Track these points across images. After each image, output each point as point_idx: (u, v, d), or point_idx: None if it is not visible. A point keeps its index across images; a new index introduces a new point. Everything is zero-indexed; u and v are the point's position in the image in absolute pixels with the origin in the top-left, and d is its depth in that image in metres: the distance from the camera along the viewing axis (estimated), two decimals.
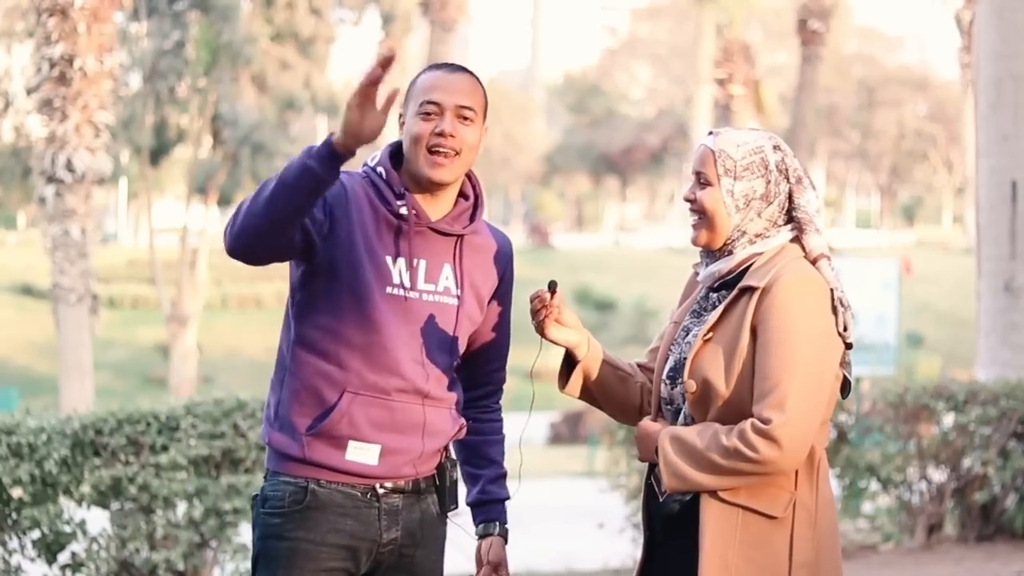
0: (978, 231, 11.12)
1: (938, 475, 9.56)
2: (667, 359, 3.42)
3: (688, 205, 3.40)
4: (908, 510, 9.63)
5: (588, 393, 3.56)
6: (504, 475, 3.67)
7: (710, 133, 3.41)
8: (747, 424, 3.19)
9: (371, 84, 3.12)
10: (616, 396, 3.55)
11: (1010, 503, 9.38)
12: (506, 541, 3.64)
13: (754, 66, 33.14)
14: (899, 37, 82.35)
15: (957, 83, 54.63)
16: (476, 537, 3.64)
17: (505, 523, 3.64)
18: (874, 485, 9.75)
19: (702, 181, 3.36)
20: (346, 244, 3.39)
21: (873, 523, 10.25)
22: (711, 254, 3.40)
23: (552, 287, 3.42)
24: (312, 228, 3.35)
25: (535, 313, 3.44)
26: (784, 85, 55.96)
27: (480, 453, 3.66)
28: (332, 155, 3.17)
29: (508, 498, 3.66)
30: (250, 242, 3.28)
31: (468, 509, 3.72)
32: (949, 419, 9.54)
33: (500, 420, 3.71)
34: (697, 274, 3.49)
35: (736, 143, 3.35)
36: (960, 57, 39.40)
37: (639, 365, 3.60)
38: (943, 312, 51.64)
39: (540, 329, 3.45)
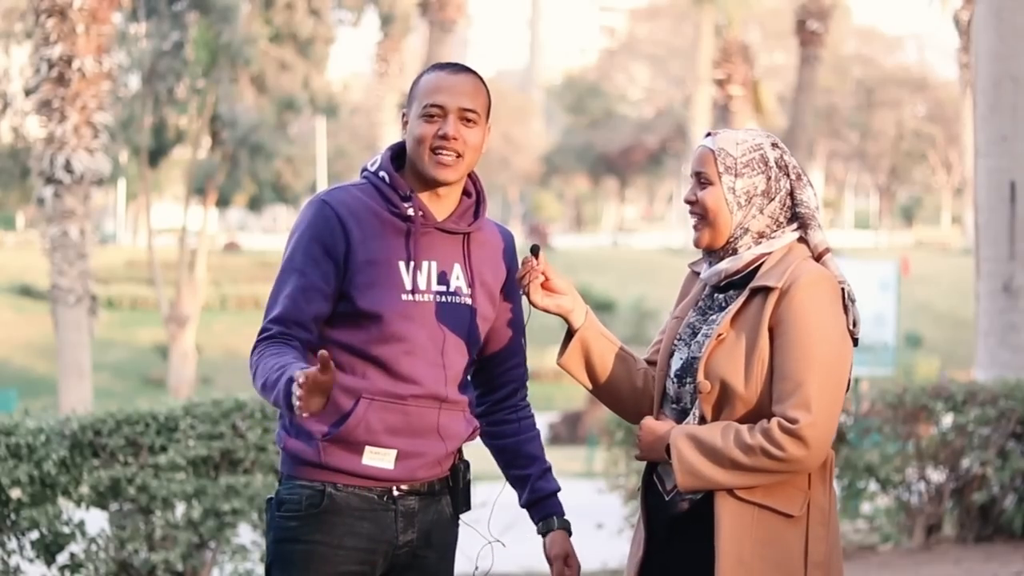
0: (977, 232, 11.13)
1: (937, 476, 9.57)
2: (671, 356, 3.42)
3: (689, 207, 3.40)
4: (907, 511, 9.64)
5: (589, 369, 3.50)
6: (549, 468, 3.66)
7: (708, 135, 3.43)
8: (773, 424, 3.21)
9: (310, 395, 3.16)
10: (618, 377, 3.50)
11: (1009, 503, 9.38)
12: (569, 533, 3.62)
13: (753, 67, 33.18)
14: (898, 38, 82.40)
15: (956, 84, 54.61)
16: (540, 535, 3.63)
17: (563, 515, 3.62)
18: (873, 486, 9.75)
19: (703, 181, 3.37)
20: (357, 270, 3.40)
21: (872, 524, 10.26)
22: (714, 253, 3.41)
23: (535, 251, 3.40)
24: (332, 299, 3.42)
25: (520, 280, 3.42)
26: (783, 86, 55.98)
27: (521, 453, 3.65)
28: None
29: (559, 489, 3.64)
30: None
31: (475, 510, 3.73)
32: (948, 420, 9.55)
33: (531, 416, 3.68)
34: (696, 273, 3.50)
35: (735, 141, 3.37)
36: (959, 58, 39.40)
37: (645, 359, 3.57)
38: (942, 313, 51.66)
39: (527, 296, 3.43)
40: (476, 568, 3.66)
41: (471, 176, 3.54)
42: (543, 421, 33.06)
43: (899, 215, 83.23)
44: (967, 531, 9.42)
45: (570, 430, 32.16)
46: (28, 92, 18.27)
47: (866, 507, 10.34)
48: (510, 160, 73.38)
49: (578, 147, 73.97)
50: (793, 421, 3.19)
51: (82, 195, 17.35)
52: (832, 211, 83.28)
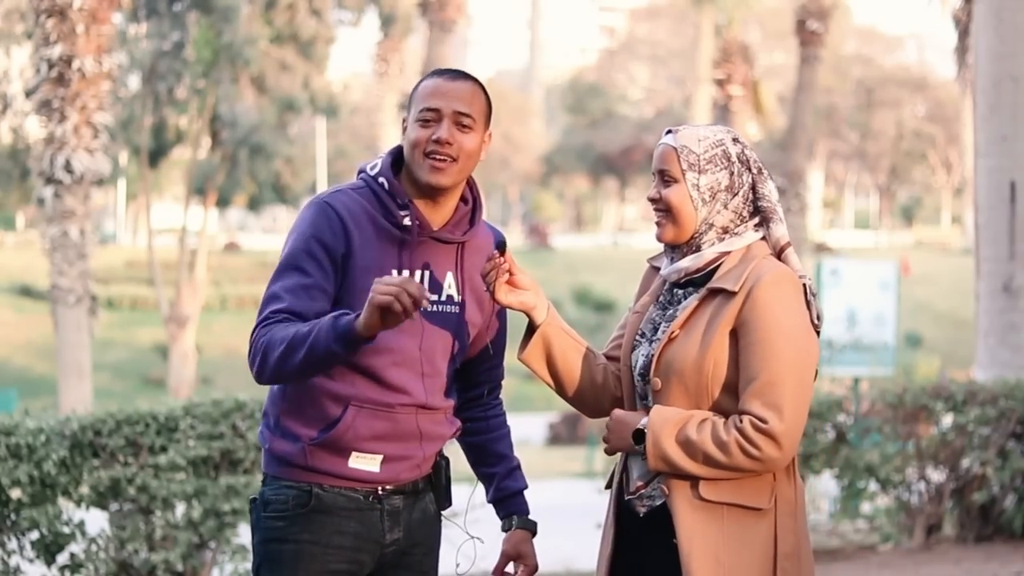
0: (977, 232, 11.14)
1: (937, 475, 9.57)
2: (634, 351, 3.44)
3: (653, 205, 3.42)
4: (907, 511, 9.64)
5: (550, 364, 3.51)
6: (517, 467, 3.68)
7: (668, 132, 3.44)
8: (746, 423, 3.23)
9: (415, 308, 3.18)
10: (578, 372, 3.52)
11: (1009, 503, 9.38)
12: (533, 533, 3.64)
13: (752, 67, 33.14)
14: (898, 37, 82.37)
15: (956, 83, 54.65)
16: (503, 531, 3.65)
17: (526, 514, 3.65)
18: (873, 485, 9.76)
19: (666, 179, 3.40)
20: (356, 276, 3.39)
21: (872, 523, 10.26)
22: (676, 249, 3.43)
23: (501, 248, 3.42)
24: (332, 300, 3.41)
25: (486, 277, 3.43)
26: (782, 86, 55.96)
27: (489, 451, 3.68)
28: (357, 341, 3.24)
29: (525, 487, 3.67)
30: (284, 382, 3.42)
31: (475, 510, 3.74)
32: (948, 419, 9.56)
33: (503, 414, 3.72)
34: (655, 268, 3.52)
35: (697, 138, 3.39)
36: (958, 57, 39.43)
37: (604, 355, 3.59)
38: (942, 313, 51.66)
39: (491, 292, 3.44)
40: (457, 565, 3.69)
41: (468, 182, 3.53)
42: (543, 421, 33.05)
43: (899, 215, 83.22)
44: (967, 531, 9.43)
45: (570, 430, 32.15)
46: (28, 92, 18.25)
47: (866, 507, 10.34)
48: (510, 160, 73.38)
49: (578, 147, 73.93)
50: (764, 421, 3.22)
51: (82, 195, 17.34)
52: (832, 211, 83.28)
